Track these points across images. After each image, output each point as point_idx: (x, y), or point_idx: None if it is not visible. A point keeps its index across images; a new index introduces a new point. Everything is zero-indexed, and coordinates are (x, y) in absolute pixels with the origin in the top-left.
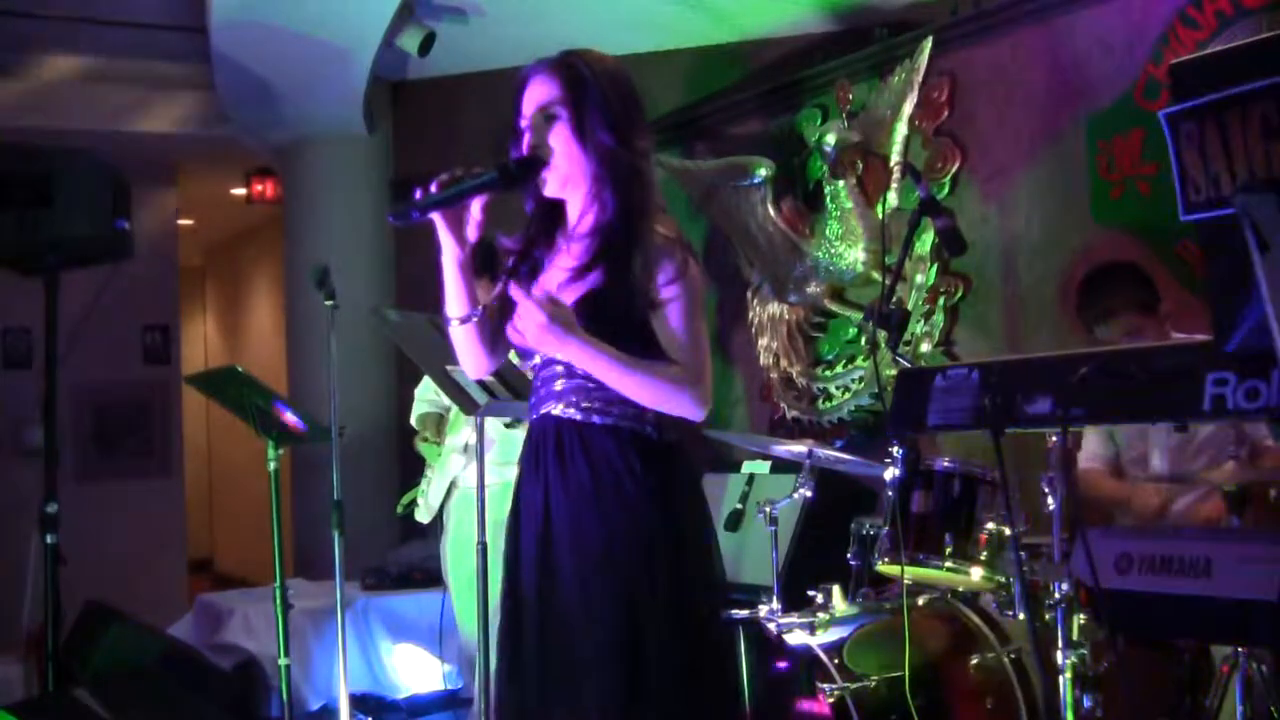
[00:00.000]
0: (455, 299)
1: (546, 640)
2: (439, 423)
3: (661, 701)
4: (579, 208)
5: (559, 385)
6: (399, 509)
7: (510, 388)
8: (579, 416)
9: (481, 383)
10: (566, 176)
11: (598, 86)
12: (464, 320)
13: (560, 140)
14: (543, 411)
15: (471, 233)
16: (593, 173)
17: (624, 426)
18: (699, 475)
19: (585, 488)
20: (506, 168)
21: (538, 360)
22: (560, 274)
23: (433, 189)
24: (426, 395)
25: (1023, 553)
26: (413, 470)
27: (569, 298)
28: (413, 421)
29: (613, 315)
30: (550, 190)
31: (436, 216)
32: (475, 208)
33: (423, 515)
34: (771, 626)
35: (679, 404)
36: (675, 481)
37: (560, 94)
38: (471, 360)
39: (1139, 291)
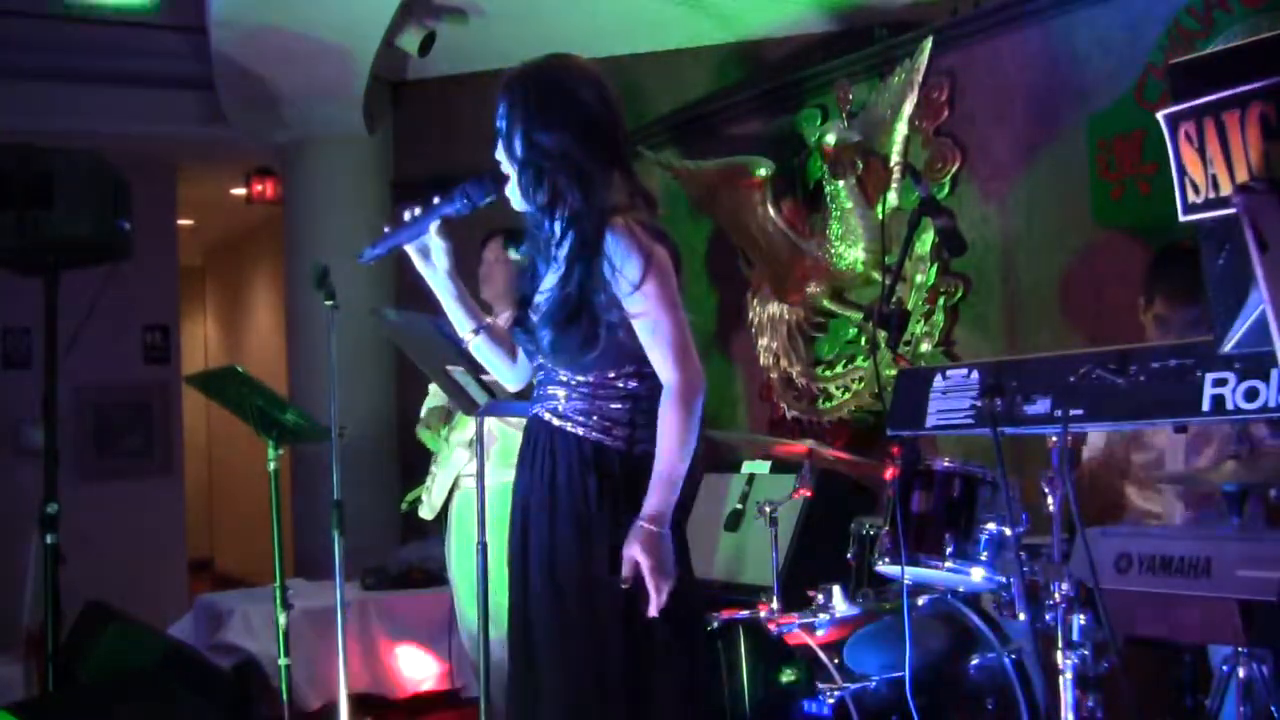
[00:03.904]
0: (455, 320)
1: (512, 638)
2: (446, 417)
3: (606, 702)
4: (544, 221)
5: (550, 389)
6: (403, 506)
7: None
8: (556, 421)
9: (482, 382)
10: (520, 191)
11: (523, 104)
12: (475, 332)
13: (502, 157)
14: (534, 412)
15: (441, 260)
16: (530, 187)
17: (591, 437)
18: None
19: (547, 491)
20: (465, 190)
21: (539, 361)
22: (546, 291)
23: (405, 216)
24: (439, 390)
25: (1023, 553)
26: (413, 469)
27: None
28: (422, 414)
29: (582, 315)
30: (515, 204)
31: (408, 248)
32: (433, 231)
33: (425, 512)
34: (771, 626)
35: (692, 410)
36: (637, 492)
37: (500, 112)
38: (501, 372)
39: None
